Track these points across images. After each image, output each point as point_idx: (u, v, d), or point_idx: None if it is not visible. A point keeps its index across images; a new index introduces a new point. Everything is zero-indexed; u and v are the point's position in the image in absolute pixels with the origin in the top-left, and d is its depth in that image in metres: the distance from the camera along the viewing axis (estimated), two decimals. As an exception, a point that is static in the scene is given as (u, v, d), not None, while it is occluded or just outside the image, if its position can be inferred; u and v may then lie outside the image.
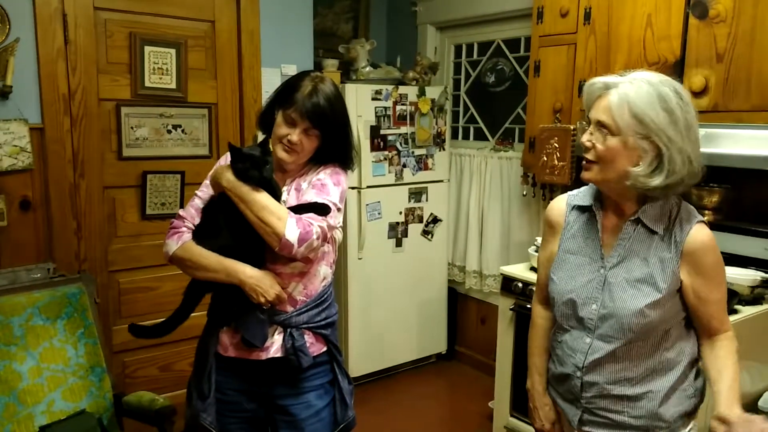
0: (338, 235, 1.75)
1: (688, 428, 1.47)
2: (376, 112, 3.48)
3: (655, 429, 1.43)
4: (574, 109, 2.89)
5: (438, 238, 3.87)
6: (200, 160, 2.92)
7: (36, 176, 2.54)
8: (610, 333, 1.41)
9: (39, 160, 2.54)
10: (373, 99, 3.46)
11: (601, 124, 1.36)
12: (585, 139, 1.40)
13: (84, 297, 2.31)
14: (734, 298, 2.19)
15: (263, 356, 1.66)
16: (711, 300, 1.40)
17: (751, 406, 2.12)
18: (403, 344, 3.82)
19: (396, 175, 3.62)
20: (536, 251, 2.84)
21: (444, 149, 3.81)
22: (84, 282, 2.37)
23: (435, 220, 3.84)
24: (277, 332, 1.66)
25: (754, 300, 2.27)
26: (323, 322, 1.71)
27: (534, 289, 2.71)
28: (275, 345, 1.66)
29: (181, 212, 1.71)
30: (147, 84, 2.77)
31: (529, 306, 2.74)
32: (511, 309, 2.83)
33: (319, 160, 1.71)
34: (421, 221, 3.78)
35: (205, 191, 1.71)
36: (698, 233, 1.38)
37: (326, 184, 1.66)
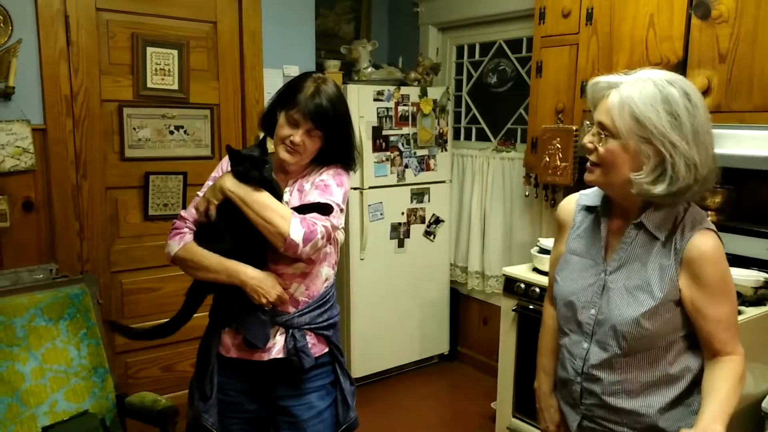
0: (340, 236, 1.75)
1: None
2: (378, 113, 3.48)
3: None
4: (576, 110, 2.89)
5: (440, 239, 3.87)
6: (202, 161, 2.92)
7: (38, 177, 2.54)
8: (606, 340, 1.36)
9: (41, 161, 2.54)
10: (375, 100, 3.46)
11: (602, 126, 1.30)
12: (587, 140, 1.35)
13: (86, 298, 2.31)
14: (737, 299, 2.18)
15: (265, 357, 1.66)
16: (710, 317, 1.30)
17: (754, 407, 2.12)
18: (406, 345, 3.82)
19: (398, 175, 3.62)
20: (539, 252, 2.84)
21: (446, 150, 3.81)
22: (86, 283, 2.37)
23: (437, 220, 3.84)
24: (279, 333, 1.66)
25: (757, 301, 2.26)
26: (325, 323, 1.71)
27: (536, 289, 2.73)
28: (277, 346, 1.66)
29: (183, 213, 1.71)
30: (149, 85, 2.77)
31: (531, 307, 2.75)
32: (513, 310, 2.83)
33: (321, 161, 1.71)
34: (423, 222, 3.78)
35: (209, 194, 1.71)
36: (700, 241, 1.30)
37: (329, 185, 1.66)
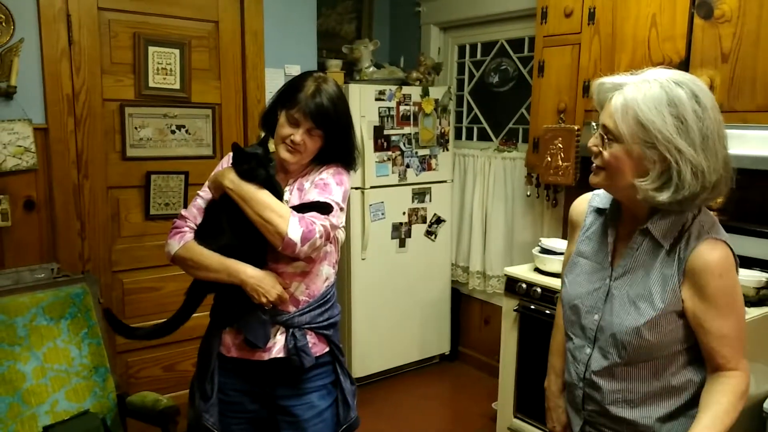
0: (341, 235, 1.75)
1: None
2: (379, 113, 3.48)
3: None
4: (578, 110, 2.89)
5: (441, 239, 3.86)
6: (204, 161, 2.92)
7: (40, 176, 2.54)
8: (607, 348, 1.33)
9: (43, 161, 2.54)
10: (376, 99, 3.45)
11: (606, 130, 1.25)
12: (591, 143, 1.29)
13: (88, 297, 2.31)
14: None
15: (265, 357, 1.65)
16: (713, 331, 1.24)
17: (756, 408, 2.11)
18: (407, 345, 3.82)
19: (399, 175, 3.61)
20: (540, 252, 2.84)
21: (447, 149, 3.80)
22: (88, 282, 2.37)
23: (438, 220, 3.83)
24: (279, 333, 1.66)
25: (759, 301, 2.25)
26: (326, 323, 1.71)
27: (537, 290, 2.72)
28: (277, 345, 1.65)
29: (183, 212, 1.71)
30: (151, 84, 2.77)
31: (533, 307, 2.75)
32: (514, 310, 2.82)
33: (322, 160, 1.70)
34: (424, 222, 3.78)
35: (207, 191, 1.71)
36: (705, 251, 1.23)
37: (329, 184, 1.66)
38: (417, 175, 3.69)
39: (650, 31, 2.55)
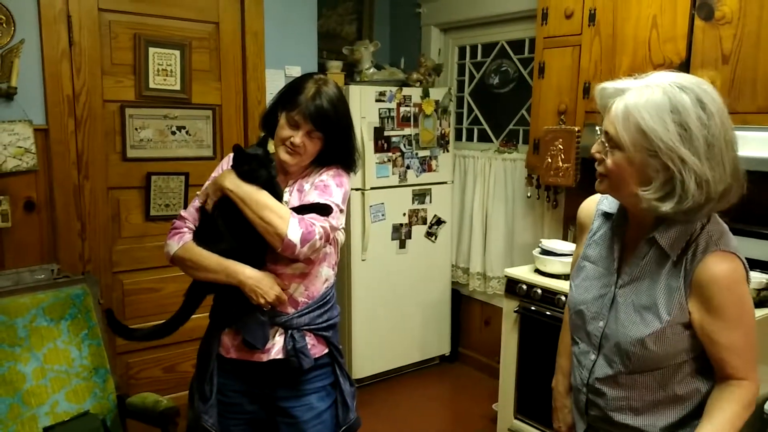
0: (340, 236, 1.74)
1: None
2: (379, 114, 3.47)
3: None
4: (578, 111, 2.89)
5: (442, 240, 3.86)
6: (204, 162, 2.92)
7: (40, 177, 2.54)
8: (611, 356, 1.30)
9: (43, 162, 2.54)
10: (376, 100, 3.45)
11: (608, 137, 1.20)
12: (594, 150, 1.25)
13: (88, 298, 2.31)
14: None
15: (264, 358, 1.65)
16: (722, 344, 1.20)
17: (757, 410, 2.11)
18: (407, 346, 3.81)
19: (400, 176, 3.61)
20: (540, 253, 2.83)
21: (448, 151, 3.80)
22: (88, 283, 2.37)
23: (439, 221, 3.83)
24: (278, 334, 1.66)
25: (760, 303, 2.25)
26: (325, 324, 1.71)
27: (538, 291, 2.72)
28: (276, 347, 1.65)
29: (182, 213, 1.71)
30: (151, 85, 2.77)
31: (533, 308, 2.74)
32: (515, 311, 2.82)
33: (322, 161, 1.70)
34: (424, 223, 3.77)
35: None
36: (711, 265, 1.18)
37: (329, 185, 1.66)
38: (417, 176, 3.69)
39: (651, 32, 2.55)
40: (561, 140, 2.91)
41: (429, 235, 3.81)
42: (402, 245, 3.69)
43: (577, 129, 2.85)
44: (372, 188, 3.49)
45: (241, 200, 1.56)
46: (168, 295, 2.82)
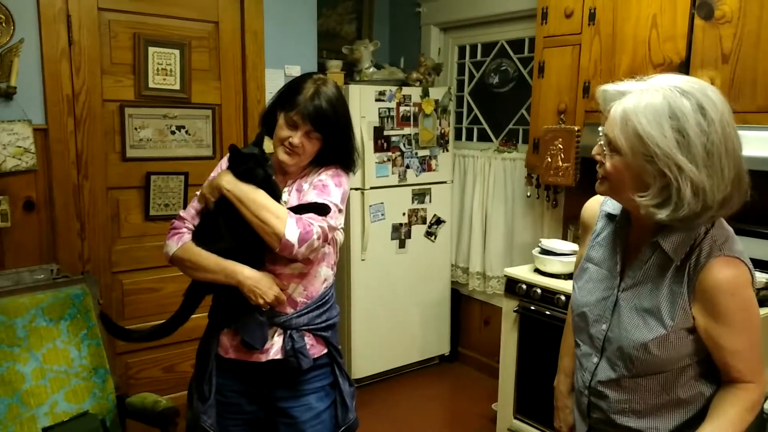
0: (339, 236, 1.74)
1: None
2: (379, 113, 3.47)
3: None
4: (578, 110, 2.89)
5: (441, 240, 3.86)
6: (204, 161, 2.91)
7: (40, 177, 2.54)
8: (614, 359, 1.29)
9: (43, 161, 2.54)
10: (376, 100, 3.45)
11: (607, 139, 1.19)
12: (594, 152, 1.24)
13: (87, 298, 2.31)
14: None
15: (263, 358, 1.65)
16: (727, 349, 1.20)
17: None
18: (406, 346, 3.81)
19: (399, 176, 3.61)
20: (540, 253, 2.83)
21: (447, 150, 3.80)
22: (87, 283, 2.37)
23: (438, 221, 3.83)
24: (277, 334, 1.66)
25: (760, 303, 2.24)
26: (324, 324, 1.71)
27: (538, 290, 2.72)
28: (275, 347, 1.65)
29: (181, 213, 1.71)
30: (151, 85, 2.77)
31: (533, 308, 2.74)
32: (514, 311, 2.82)
33: (321, 161, 1.70)
34: (424, 222, 3.77)
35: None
36: (714, 271, 1.17)
37: (327, 185, 1.65)
38: (417, 175, 3.68)
39: (651, 31, 2.55)
40: (561, 140, 2.91)
41: (428, 234, 3.81)
42: (401, 245, 3.69)
43: (576, 128, 2.85)
44: (371, 188, 3.48)
45: (238, 200, 1.56)
46: (167, 295, 2.82)
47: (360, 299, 3.56)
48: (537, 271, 2.85)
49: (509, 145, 3.65)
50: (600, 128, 1.25)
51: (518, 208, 3.56)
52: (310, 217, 1.57)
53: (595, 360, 1.34)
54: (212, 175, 1.74)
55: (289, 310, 1.66)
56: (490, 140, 3.86)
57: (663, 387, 1.26)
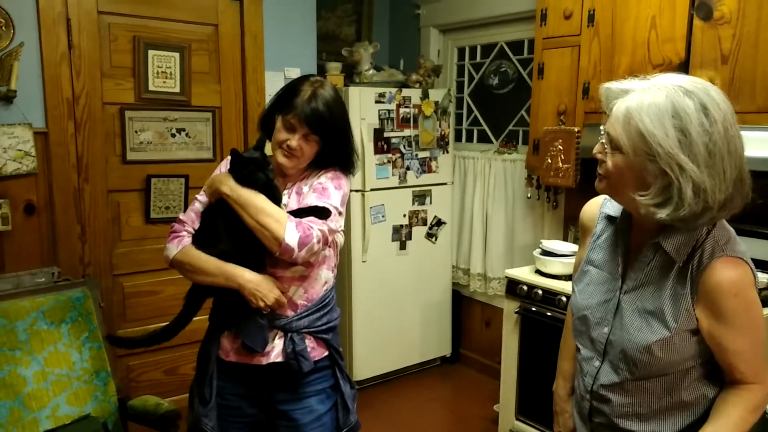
0: (340, 239, 1.74)
1: None
2: (379, 115, 3.48)
3: None
4: (578, 111, 2.88)
5: (442, 241, 3.86)
6: (204, 164, 2.92)
7: (40, 180, 2.54)
8: (617, 363, 1.28)
9: (43, 165, 2.54)
10: (376, 102, 3.45)
11: (609, 137, 1.18)
12: (596, 150, 1.24)
13: (88, 301, 2.31)
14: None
15: (264, 361, 1.65)
16: (731, 350, 1.19)
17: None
18: (407, 348, 3.81)
19: (400, 177, 3.61)
20: (541, 254, 2.83)
21: (448, 152, 3.80)
22: (88, 286, 2.37)
23: (439, 222, 3.83)
24: (277, 337, 1.66)
25: (763, 303, 2.24)
26: (324, 327, 1.71)
27: (539, 291, 2.72)
28: (276, 350, 1.65)
29: (181, 216, 1.71)
30: (151, 88, 2.77)
31: (534, 309, 2.74)
32: (516, 312, 2.82)
33: (320, 164, 1.70)
34: (425, 224, 3.77)
35: (205, 195, 1.71)
36: (717, 271, 1.16)
37: (327, 188, 1.65)
38: (417, 177, 3.69)
39: (650, 32, 2.55)
40: (561, 141, 2.91)
41: (429, 236, 3.81)
42: (402, 246, 3.69)
43: (576, 129, 2.85)
44: (372, 189, 3.48)
45: (238, 204, 1.56)
46: (168, 298, 2.82)
47: (361, 301, 3.56)
48: (538, 272, 2.85)
49: (509, 146, 3.65)
50: (601, 126, 1.24)
51: (519, 209, 3.56)
52: (309, 220, 1.57)
53: (597, 364, 1.33)
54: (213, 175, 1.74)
55: (290, 313, 1.66)
56: (490, 141, 3.86)
57: (666, 389, 1.25)
